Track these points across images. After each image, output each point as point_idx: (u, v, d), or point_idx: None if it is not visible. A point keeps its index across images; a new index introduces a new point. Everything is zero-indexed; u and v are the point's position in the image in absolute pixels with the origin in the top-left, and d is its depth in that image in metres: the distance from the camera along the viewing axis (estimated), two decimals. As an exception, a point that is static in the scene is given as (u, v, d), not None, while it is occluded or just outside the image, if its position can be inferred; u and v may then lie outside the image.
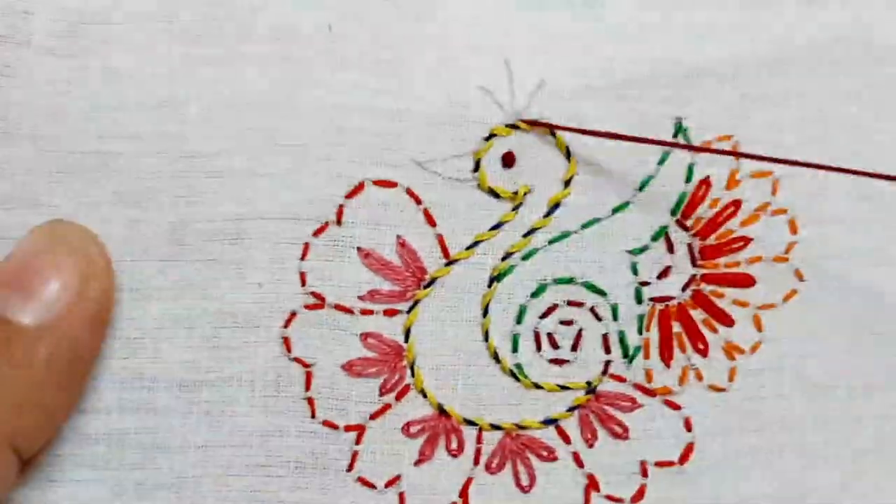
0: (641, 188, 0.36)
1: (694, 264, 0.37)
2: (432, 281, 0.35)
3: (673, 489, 0.37)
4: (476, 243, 0.35)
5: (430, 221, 0.35)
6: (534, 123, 0.35)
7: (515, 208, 0.35)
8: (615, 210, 0.36)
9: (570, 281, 0.36)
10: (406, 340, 0.35)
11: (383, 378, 0.35)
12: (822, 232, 0.37)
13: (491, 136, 0.35)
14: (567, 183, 0.35)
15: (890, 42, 0.37)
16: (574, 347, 0.36)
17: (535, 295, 0.36)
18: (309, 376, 0.35)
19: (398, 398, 0.36)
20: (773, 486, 0.37)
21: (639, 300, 0.36)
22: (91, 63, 0.34)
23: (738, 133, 0.36)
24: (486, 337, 0.36)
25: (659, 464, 0.37)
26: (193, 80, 0.34)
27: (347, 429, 0.35)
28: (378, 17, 0.34)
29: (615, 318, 0.36)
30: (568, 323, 0.36)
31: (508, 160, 0.35)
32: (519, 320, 0.36)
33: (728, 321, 0.37)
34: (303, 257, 0.35)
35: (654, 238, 0.36)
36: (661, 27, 0.36)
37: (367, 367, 0.35)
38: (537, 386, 0.36)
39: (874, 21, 0.37)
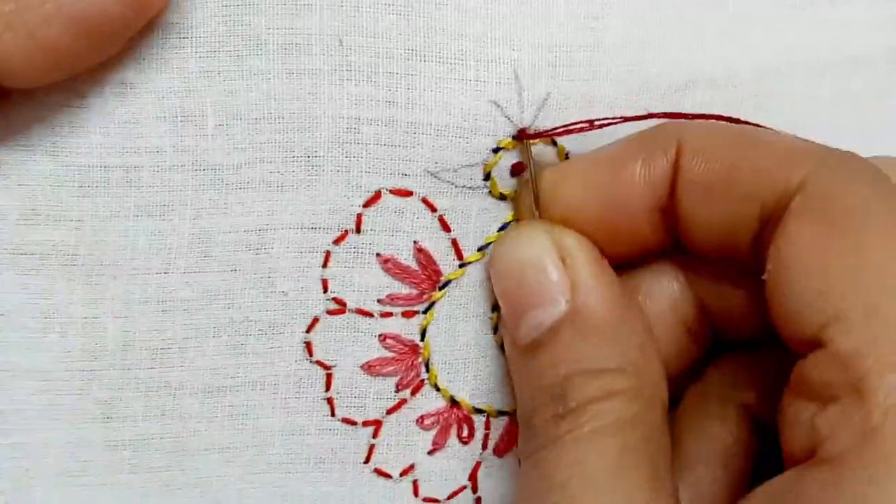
0: None
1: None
2: (447, 283, 0.37)
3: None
4: (487, 244, 0.37)
5: (445, 227, 0.37)
6: (536, 136, 0.37)
7: None
8: None
9: None
10: (422, 339, 0.38)
11: (399, 376, 0.38)
12: None
13: (498, 149, 0.36)
14: None
15: (873, 50, 0.40)
16: None
17: None
18: (329, 377, 0.37)
19: (413, 393, 0.38)
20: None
21: None
22: (108, 78, 0.34)
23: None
24: (495, 330, 0.38)
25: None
26: (210, 95, 0.34)
27: (365, 424, 0.38)
28: (388, 31, 0.35)
29: None
30: None
31: (516, 169, 0.37)
32: None
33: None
34: (324, 265, 0.36)
35: None
36: (662, 36, 0.38)
37: (385, 366, 0.38)
38: None
39: (858, 29, 0.40)
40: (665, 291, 0.36)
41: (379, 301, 0.37)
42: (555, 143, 0.37)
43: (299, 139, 0.35)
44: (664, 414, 0.33)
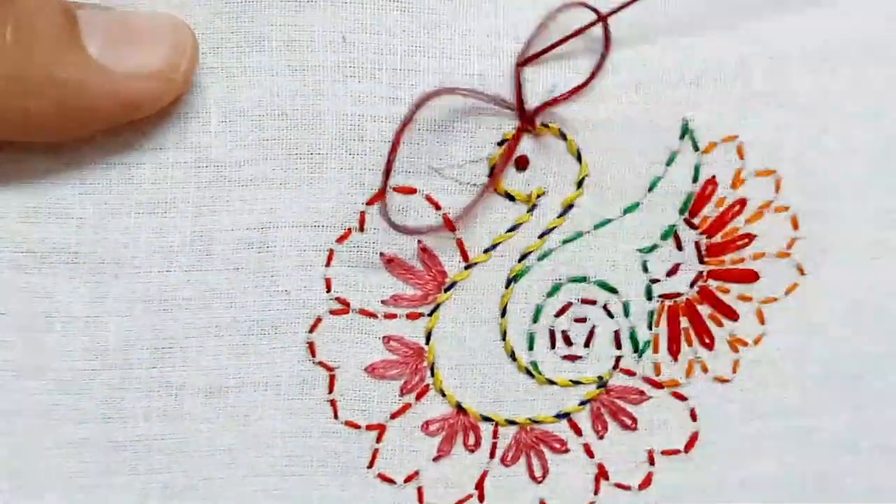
0: (651, 188, 0.38)
1: (701, 261, 0.39)
2: (452, 284, 0.37)
3: (678, 476, 0.40)
4: (494, 246, 0.37)
5: (450, 226, 0.37)
6: (544, 127, 0.36)
7: (530, 210, 0.37)
8: (626, 210, 0.38)
9: (583, 280, 0.38)
10: (427, 342, 0.37)
11: (404, 379, 0.38)
12: (823, 228, 0.40)
13: (503, 141, 0.36)
14: (580, 184, 0.37)
15: (890, 43, 0.39)
16: (587, 344, 0.39)
17: (550, 294, 0.38)
18: (332, 379, 0.37)
19: (418, 398, 0.38)
20: (774, 471, 0.40)
21: (649, 297, 0.39)
22: None
23: (743, 134, 0.38)
24: (504, 336, 0.38)
25: (665, 452, 0.40)
26: (212, 92, 0.35)
27: (369, 428, 0.38)
28: (391, 27, 0.35)
29: (626, 314, 0.39)
30: (581, 320, 0.38)
31: (522, 163, 0.37)
32: (535, 319, 0.38)
33: (733, 315, 0.39)
34: (327, 264, 0.36)
35: (664, 237, 0.38)
36: (671, 28, 0.37)
37: (389, 369, 0.37)
38: (551, 382, 0.39)
39: (875, 22, 0.39)
40: None
41: (383, 302, 0.37)
42: (564, 137, 0.37)
43: (302, 136, 0.35)
44: None
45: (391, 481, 0.38)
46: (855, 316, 0.40)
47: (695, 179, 0.38)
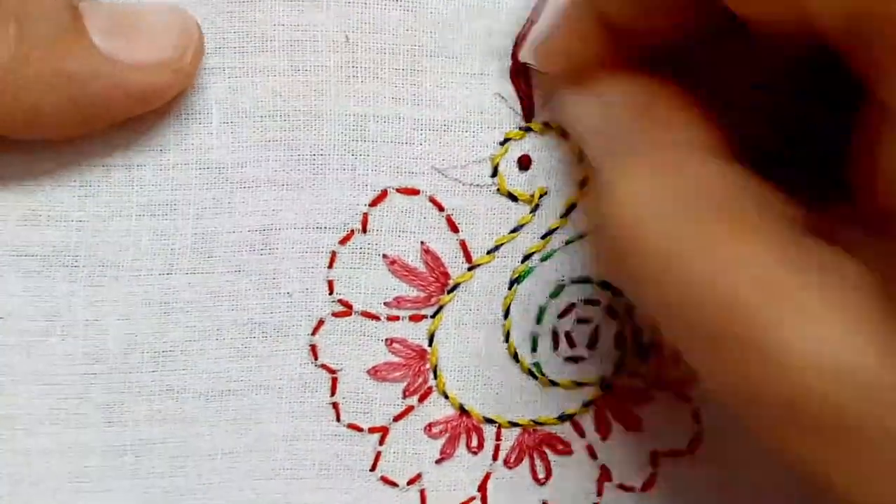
0: None
1: (706, 262, 0.39)
2: (456, 286, 0.37)
3: (682, 477, 0.40)
4: (497, 247, 0.37)
5: (453, 228, 0.37)
6: (546, 126, 0.37)
7: (533, 210, 0.37)
8: None
9: (587, 281, 0.38)
10: (430, 345, 0.38)
11: (407, 381, 0.38)
12: None
13: (506, 140, 0.36)
14: (582, 184, 0.37)
15: None
16: (590, 345, 0.39)
17: (553, 295, 0.38)
18: (335, 382, 0.37)
19: (421, 400, 0.38)
20: (779, 471, 0.40)
21: None
22: None
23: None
24: (507, 338, 0.38)
25: (669, 453, 0.40)
26: (215, 92, 0.35)
27: (371, 430, 0.38)
28: (395, 27, 0.35)
29: (630, 315, 0.39)
30: (585, 321, 0.39)
31: (524, 163, 0.37)
32: (538, 320, 0.38)
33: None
34: (330, 265, 0.36)
35: None
36: None
37: (392, 372, 0.38)
38: (554, 383, 0.39)
39: None
40: None
41: (385, 304, 0.37)
42: (566, 136, 0.37)
43: (305, 137, 0.35)
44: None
45: (394, 484, 0.38)
46: None
47: None
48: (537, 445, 0.39)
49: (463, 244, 0.37)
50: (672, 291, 0.27)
